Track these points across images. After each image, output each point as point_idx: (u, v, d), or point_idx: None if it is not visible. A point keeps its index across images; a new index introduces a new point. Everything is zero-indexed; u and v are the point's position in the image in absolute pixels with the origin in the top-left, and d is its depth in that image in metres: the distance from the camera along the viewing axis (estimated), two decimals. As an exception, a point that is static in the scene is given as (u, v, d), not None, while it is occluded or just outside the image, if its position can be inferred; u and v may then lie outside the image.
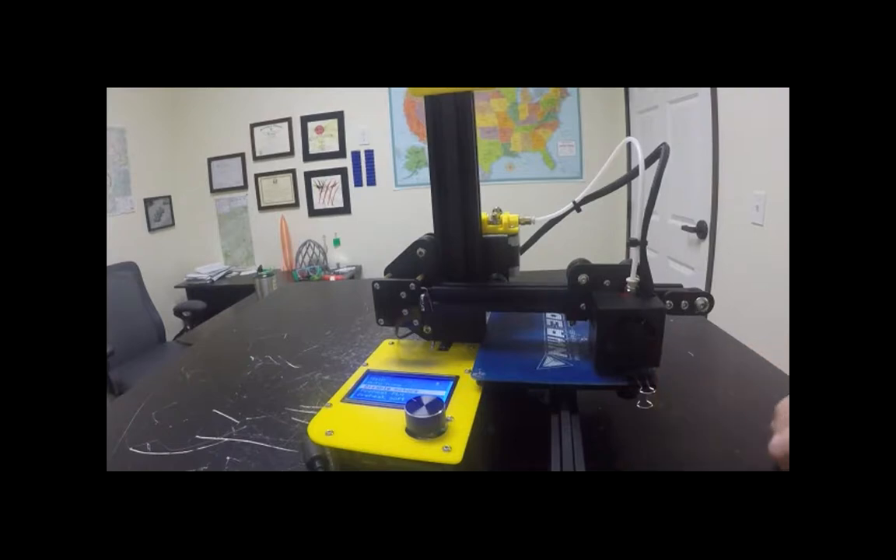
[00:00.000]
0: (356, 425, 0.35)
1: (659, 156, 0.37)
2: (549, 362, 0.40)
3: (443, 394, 0.37)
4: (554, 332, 0.47)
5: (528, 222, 0.48)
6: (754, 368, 0.55)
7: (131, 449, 0.44)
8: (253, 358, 0.64)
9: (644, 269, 0.37)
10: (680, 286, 0.39)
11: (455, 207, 0.43)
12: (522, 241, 0.49)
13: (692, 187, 1.70)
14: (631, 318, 0.35)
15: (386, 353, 0.47)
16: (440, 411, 0.32)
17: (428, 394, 0.34)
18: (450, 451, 0.31)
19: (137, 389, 0.58)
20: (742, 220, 1.39)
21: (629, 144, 0.39)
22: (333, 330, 0.74)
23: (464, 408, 0.35)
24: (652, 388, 0.35)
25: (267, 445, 0.43)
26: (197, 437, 0.45)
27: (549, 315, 0.51)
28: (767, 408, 0.37)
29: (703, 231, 1.64)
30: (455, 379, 0.40)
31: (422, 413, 0.32)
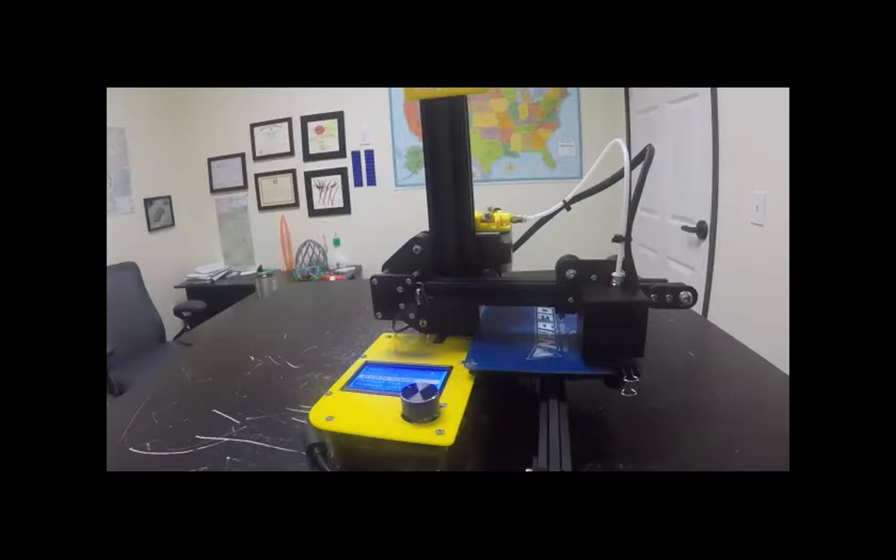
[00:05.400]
0: (355, 411, 0.36)
1: (644, 157, 0.38)
2: (539, 353, 0.42)
3: (437, 383, 0.38)
4: (544, 326, 0.48)
5: (520, 221, 0.49)
6: (754, 368, 0.55)
7: (131, 449, 0.44)
8: (253, 358, 0.64)
9: (629, 263, 0.38)
10: (665, 281, 0.41)
11: (449, 206, 0.45)
12: (515, 238, 0.51)
13: (692, 187, 1.70)
14: (615, 310, 0.37)
15: (383, 346, 0.48)
16: (434, 397, 0.34)
17: (423, 382, 0.35)
18: (443, 434, 0.32)
19: (137, 389, 0.58)
20: (742, 220, 1.39)
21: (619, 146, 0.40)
22: (333, 330, 0.74)
23: (456, 395, 0.37)
24: (636, 377, 0.36)
25: (267, 445, 0.43)
26: (197, 437, 0.45)
27: (539, 309, 0.52)
28: (767, 408, 0.38)
29: (703, 231, 1.64)
30: (449, 369, 0.41)
31: (416, 399, 0.33)
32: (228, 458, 0.42)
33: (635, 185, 0.37)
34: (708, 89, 1.55)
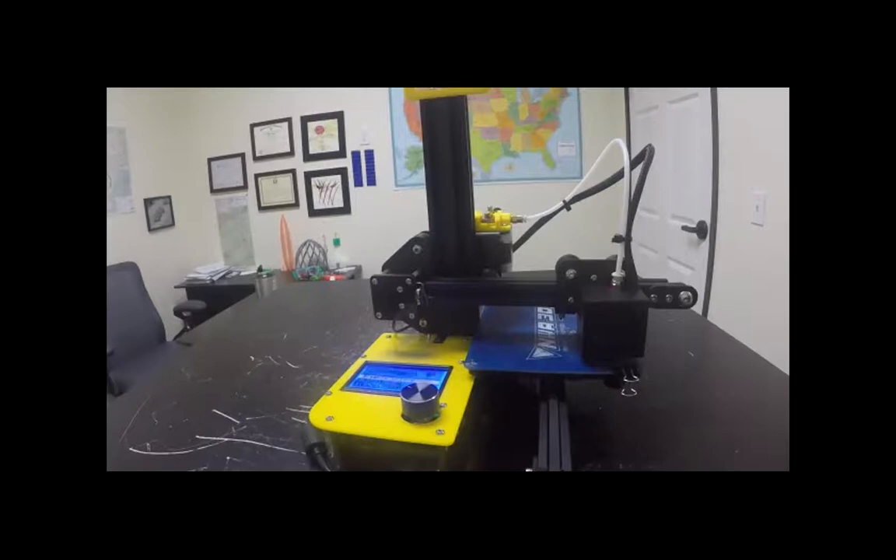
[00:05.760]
0: (355, 411, 0.36)
1: (644, 157, 0.38)
2: (539, 353, 0.42)
3: (437, 383, 0.38)
4: (544, 326, 0.48)
5: (520, 221, 0.49)
6: (754, 368, 0.55)
7: (131, 449, 0.44)
8: (253, 358, 0.64)
9: (629, 263, 0.38)
10: (665, 281, 0.41)
11: (449, 206, 0.45)
12: (515, 238, 0.51)
13: (692, 187, 1.70)
14: (615, 310, 0.37)
15: (383, 346, 0.48)
16: (434, 397, 0.34)
17: (423, 382, 0.35)
18: (443, 434, 0.32)
19: (137, 389, 0.58)
20: (742, 220, 1.39)
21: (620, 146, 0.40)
22: (333, 330, 0.74)
23: (456, 395, 0.37)
24: (636, 377, 0.36)
25: (267, 445, 0.43)
26: (197, 437, 0.45)
27: (540, 309, 0.52)
28: (767, 408, 0.37)
29: (703, 231, 1.63)
30: (449, 369, 0.41)
31: (416, 399, 0.33)
32: (228, 458, 0.42)
33: (635, 185, 0.37)
34: (708, 89, 1.55)
